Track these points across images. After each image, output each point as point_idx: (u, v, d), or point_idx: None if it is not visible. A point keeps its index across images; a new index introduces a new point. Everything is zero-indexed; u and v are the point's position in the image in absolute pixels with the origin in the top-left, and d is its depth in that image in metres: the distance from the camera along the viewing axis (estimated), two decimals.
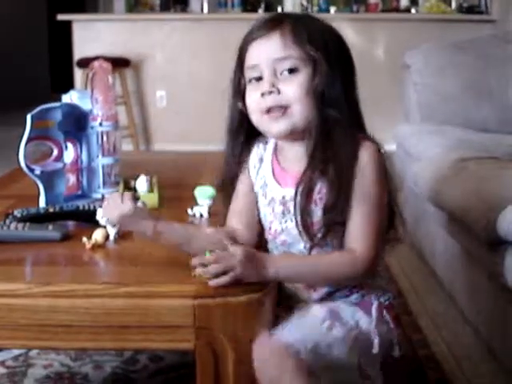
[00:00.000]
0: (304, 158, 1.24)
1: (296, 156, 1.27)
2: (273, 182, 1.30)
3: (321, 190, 1.22)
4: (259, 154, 1.33)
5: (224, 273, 1.11)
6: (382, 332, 1.25)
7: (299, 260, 1.25)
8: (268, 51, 1.22)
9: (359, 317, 1.25)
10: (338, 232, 1.22)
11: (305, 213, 1.22)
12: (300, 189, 1.22)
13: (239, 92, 1.28)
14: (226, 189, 1.37)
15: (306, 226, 1.22)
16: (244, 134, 1.32)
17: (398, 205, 1.31)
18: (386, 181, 1.24)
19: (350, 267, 1.20)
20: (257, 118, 1.26)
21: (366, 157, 1.20)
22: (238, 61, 1.28)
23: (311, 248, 1.24)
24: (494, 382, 1.91)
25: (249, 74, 1.25)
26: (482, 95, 2.98)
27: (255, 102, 1.24)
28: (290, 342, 1.11)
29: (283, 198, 1.27)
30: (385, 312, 1.28)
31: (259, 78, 1.23)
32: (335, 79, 1.21)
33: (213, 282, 1.11)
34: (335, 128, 1.21)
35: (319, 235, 1.22)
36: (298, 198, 1.22)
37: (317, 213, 1.22)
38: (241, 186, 1.34)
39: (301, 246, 1.26)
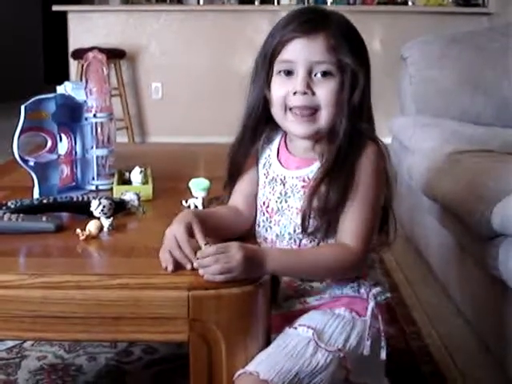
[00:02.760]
0: (312, 149, 1.27)
1: (305, 147, 1.30)
2: (276, 163, 1.32)
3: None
4: (269, 135, 1.35)
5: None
6: (373, 334, 1.26)
7: (296, 255, 1.25)
8: (309, 52, 1.22)
9: (347, 334, 1.24)
10: (334, 225, 1.24)
11: (307, 206, 1.23)
12: (309, 185, 1.24)
13: (266, 82, 1.27)
14: (232, 174, 1.37)
15: (307, 218, 1.23)
16: (264, 123, 1.32)
17: (392, 208, 1.32)
18: (384, 182, 1.26)
19: (346, 262, 1.22)
20: (279, 113, 1.27)
21: (368, 154, 1.23)
22: (270, 53, 1.26)
23: (302, 234, 1.26)
24: (487, 374, 1.92)
25: (280, 66, 1.25)
26: (478, 88, 2.98)
27: (283, 97, 1.25)
28: (269, 378, 1.11)
29: (284, 178, 1.30)
30: (378, 313, 1.28)
31: (290, 72, 1.24)
32: (367, 91, 1.25)
33: (208, 277, 1.10)
34: (358, 137, 1.23)
35: (315, 227, 1.23)
36: (305, 192, 1.24)
37: (316, 206, 1.24)
38: (247, 166, 1.35)
39: (291, 229, 1.27)
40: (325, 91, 1.22)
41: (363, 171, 1.22)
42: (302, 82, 1.22)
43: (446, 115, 2.91)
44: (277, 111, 1.27)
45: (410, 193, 2.72)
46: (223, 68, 5.65)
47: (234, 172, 1.36)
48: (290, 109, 1.25)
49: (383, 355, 1.27)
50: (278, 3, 6.22)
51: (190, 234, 1.18)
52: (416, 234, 2.85)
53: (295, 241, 1.28)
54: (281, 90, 1.25)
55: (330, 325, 1.24)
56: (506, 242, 1.72)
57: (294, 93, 1.23)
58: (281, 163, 1.32)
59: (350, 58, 1.22)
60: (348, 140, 1.23)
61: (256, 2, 6.50)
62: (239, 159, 1.34)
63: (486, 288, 1.98)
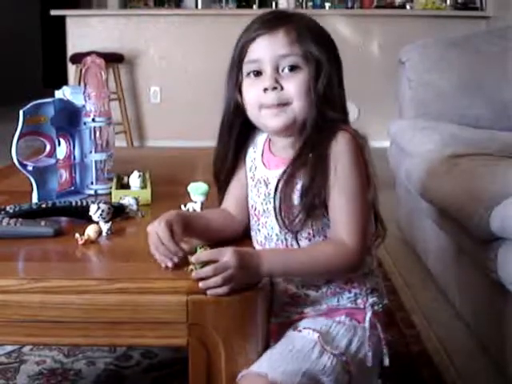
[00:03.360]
0: (292, 147, 1.27)
1: (285, 145, 1.30)
2: (260, 164, 1.33)
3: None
4: (254, 139, 1.36)
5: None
6: (373, 343, 1.26)
7: (292, 254, 1.25)
8: (272, 47, 1.23)
9: (350, 336, 1.25)
10: (317, 218, 1.23)
11: (282, 201, 1.23)
12: (282, 179, 1.23)
13: (236, 86, 1.29)
14: (219, 180, 1.38)
15: (281, 214, 1.23)
16: (239, 127, 1.33)
17: (377, 203, 1.30)
18: (365, 172, 1.24)
19: (344, 258, 1.21)
20: (255, 113, 1.27)
21: (340, 141, 1.21)
22: (238, 56, 1.28)
23: (286, 233, 1.25)
24: (486, 377, 1.92)
25: (248, 67, 1.26)
26: (476, 91, 2.98)
27: (255, 96, 1.25)
28: (279, 380, 1.11)
29: (267, 179, 1.30)
30: (377, 322, 1.28)
31: (258, 73, 1.25)
32: (334, 79, 1.25)
33: (211, 292, 1.10)
34: (328, 125, 1.23)
35: (297, 220, 1.22)
36: (279, 187, 1.23)
37: (296, 201, 1.23)
38: (237, 170, 1.36)
39: (277, 229, 1.27)
40: (293, 85, 1.22)
41: (339, 161, 1.20)
42: (269, 78, 1.23)
43: (444, 119, 2.91)
44: (252, 112, 1.28)
45: (409, 196, 2.72)
46: (222, 72, 5.59)
47: (219, 178, 1.38)
48: (267, 107, 1.25)
49: (386, 362, 1.28)
50: (276, 7, 6.23)
51: (171, 233, 1.18)
52: (415, 237, 2.85)
53: (282, 241, 1.28)
54: (252, 90, 1.26)
55: (333, 329, 1.24)
56: (504, 245, 1.72)
57: (265, 90, 1.23)
58: (264, 164, 1.33)
59: (314, 47, 1.23)
60: (316, 129, 1.23)
61: (254, 6, 6.51)
62: (219, 166, 1.36)
63: (484, 291, 1.98)
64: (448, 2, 6.05)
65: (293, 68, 1.23)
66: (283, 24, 1.24)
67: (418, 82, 3.07)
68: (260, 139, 1.36)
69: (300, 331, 1.23)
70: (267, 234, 1.30)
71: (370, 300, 1.29)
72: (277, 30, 1.23)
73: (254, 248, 1.32)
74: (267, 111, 1.25)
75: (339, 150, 1.21)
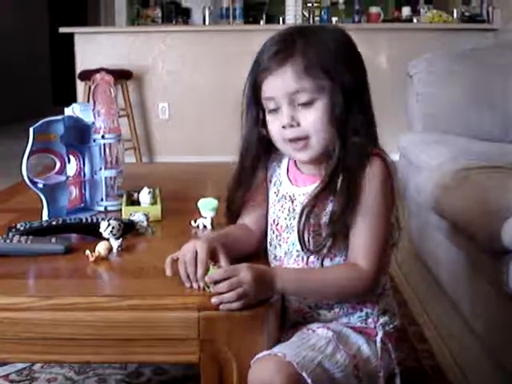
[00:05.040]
0: (320, 167, 1.26)
1: (310, 165, 1.30)
2: (286, 180, 1.33)
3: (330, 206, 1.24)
4: (279, 154, 1.36)
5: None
6: (384, 363, 1.26)
7: (306, 274, 1.25)
8: (282, 86, 1.23)
9: (361, 343, 1.25)
10: (342, 241, 1.23)
11: (306, 226, 1.23)
12: (309, 205, 1.23)
13: (258, 122, 1.30)
14: (231, 210, 1.39)
15: (304, 238, 1.23)
16: (263, 160, 1.35)
17: (398, 219, 1.31)
18: (393, 196, 1.25)
19: (357, 282, 1.21)
20: (281, 146, 1.29)
21: (374, 172, 1.21)
22: (253, 91, 1.29)
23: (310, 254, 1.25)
24: None
25: (266, 104, 1.27)
26: (485, 104, 2.97)
27: (277, 132, 1.27)
28: (295, 361, 1.11)
29: (293, 195, 1.30)
30: (388, 341, 1.28)
31: (277, 109, 1.25)
32: (352, 102, 1.23)
33: (224, 307, 1.10)
34: (354, 150, 1.23)
35: (324, 247, 1.23)
36: (304, 213, 1.23)
37: (323, 226, 1.24)
38: (258, 185, 1.36)
39: (298, 246, 1.27)
40: (308, 121, 1.23)
41: (371, 187, 1.21)
42: (286, 116, 1.24)
43: (453, 132, 2.90)
44: (279, 144, 1.29)
45: (419, 210, 2.71)
46: (229, 88, 5.66)
47: (233, 209, 1.38)
48: (290, 141, 1.26)
49: (398, 382, 1.27)
50: (284, 23, 6.25)
51: (211, 256, 1.18)
52: (425, 250, 2.83)
53: (303, 258, 1.28)
54: (274, 126, 1.27)
55: (345, 330, 1.25)
56: None
57: (283, 127, 1.25)
58: (290, 180, 1.33)
59: (324, 77, 1.21)
60: (344, 154, 1.22)
61: (261, 22, 6.54)
62: (238, 199, 1.36)
63: (497, 305, 1.96)
64: (455, 15, 6.06)
65: (307, 104, 1.23)
66: (289, 59, 1.22)
67: (426, 96, 3.06)
68: (285, 157, 1.36)
69: (314, 330, 1.24)
70: (287, 249, 1.30)
71: (382, 320, 1.29)
72: (283, 67, 1.22)
73: (270, 263, 1.33)
74: (289, 146, 1.26)
75: (371, 177, 1.21)
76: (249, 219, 1.37)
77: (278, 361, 1.10)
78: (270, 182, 1.36)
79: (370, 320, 1.29)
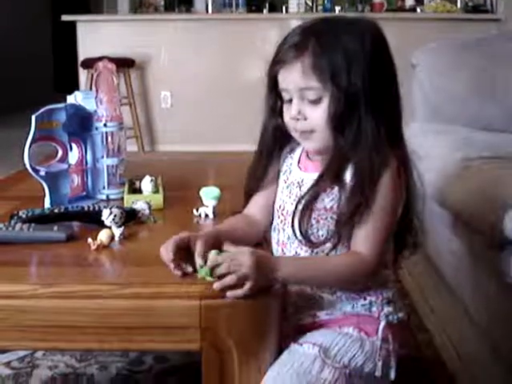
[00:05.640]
0: (327, 157, 1.29)
1: (320, 155, 1.32)
2: (296, 169, 1.36)
3: (332, 203, 1.26)
4: (292, 147, 1.39)
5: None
6: (383, 356, 1.26)
7: (307, 262, 1.26)
8: (292, 80, 1.26)
9: (355, 350, 1.24)
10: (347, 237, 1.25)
11: (304, 219, 1.25)
12: (303, 200, 1.26)
13: (275, 110, 1.34)
14: (250, 193, 1.41)
15: (304, 233, 1.26)
16: (279, 147, 1.38)
17: (415, 213, 1.36)
18: (403, 195, 1.28)
19: (357, 268, 1.22)
20: (293, 134, 1.33)
21: (387, 176, 1.24)
22: (271, 81, 1.32)
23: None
24: (500, 383, 1.90)
25: (283, 95, 1.31)
26: (488, 94, 2.96)
27: (289, 121, 1.31)
28: None
29: (302, 181, 1.33)
30: (389, 334, 1.28)
31: (290, 100, 1.29)
32: (357, 105, 1.23)
33: (230, 294, 1.10)
34: (350, 151, 1.24)
35: (327, 245, 1.25)
36: (300, 205, 1.26)
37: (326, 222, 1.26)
38: (269, 175, 1.38)
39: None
40: (314, 116, 1.26)
41: (381, 187, 1.23)
42: (294, 108, 1.28)
43: (456, 122, 2.89)
44: (292, 133, 1.33)
45: (421, 200, 2.70)
46: (232, 76, 5.66)
47: (251, 191, 1.40)
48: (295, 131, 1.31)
49: (392, 375, 1.28)
50: (287, 11, 6.23)
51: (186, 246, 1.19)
52: (427, 241, 2.83)
53: (305, 245, 1.28)
54: (286, 116, 1.31)
55: (336, 342, 1.24)
56: None
57: (291, 118, 1.29)
58: (300, 168, 1.36)
59: (330, 76, 1.22)
60: (337, 151, 1.26)
61: (264, 11, 6.52)
62: (257, 182, 1.39)
63: (499, 296, 1.96)
64: (459, 4, 6.04)
65: (314, 101, 1.25)
66: (300, 55, 1.24)
67: (429, 86, 3.06)
68: (298, 148, 1.38)
69: (301, 345, 1.23)
70: (291, 234, 1.30)
71: (386, 310, 1.29)
72: (294, 62, 1.25)
73: (272, 250, 1.34)
74: (298, 135, 1.31)
75: (385, 181, 1.23)
76: (255, 210, 1.39)
77: None
78: (280, 171, 1.39)
79: (374, 309, 1.29)
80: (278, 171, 1.39)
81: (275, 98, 1.33)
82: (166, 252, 1.18)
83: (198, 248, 1.17)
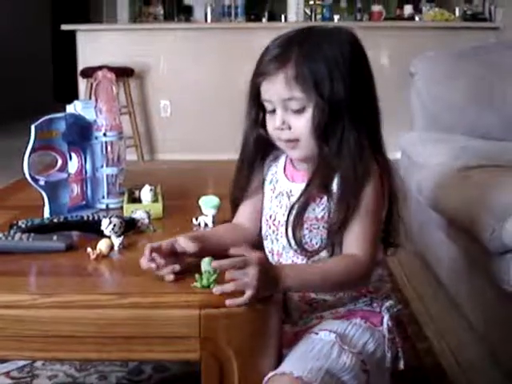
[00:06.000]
0: (312, 166, 1.31)
1: (308, 166, 1.33)
2: (283, 178, 1.37)
3: (323, 212, 1.28)
4: (275, 155, 1.40)
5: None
6: (389, 347, 1.30)
7: (306, 270, 1.27)
8: (276, 91, 1.27)
9: (366, 338, 1.28)
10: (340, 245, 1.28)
11: (297, 229, 1.27)
12: (294, 210, 1.28)
13: (257, 121, 1.35)
14: (236, 205, 1.42)
15: (298, 243, 1.28)
16: (260, 157, 1.39)
17: (400, 215, 1.35)
18: (386, 197, 1.29)
19: (355, 270, 1.24)
20: (278, 143, 1.34)
21: (371, 181, 1.25)
22: (253, 93, 1.33)
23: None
24: None
25: (266, 105, 1.32)
26: (486, 103, 2.97)
27: (273, 131, 1.32)
28: (303, 375, 1.13)
29: (290, 191, 1.34)
30: (393, 325, 1.33)
31: (274, 111, 1.30)
32: (340, 114, 1.25)
33: (230, 302, 1.10)
34: (335, 158, 1.26)
35: (321, 254, 1.28)
36: (292, 215, 1.28)
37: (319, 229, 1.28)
38: (253, 184, 1.40)
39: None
40: (298, 125, 1.28)
41: (367, 193, 1.25)
42: (278, 119, 1.29)
43: (455, 130, 2.90)
44: (276, 142, 1.34)
45: (420, 208, 2.71)
46: (231, 85, 5.66)
47: (237, 202, 1.42)
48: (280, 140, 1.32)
49: (401, 365, 1.32)
50: (286, 20, 6.25)
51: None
52: (426, 249, 2.83)
53: (301, 254, 1.30)
54: (270, 126, 1.32)
55: (349, 330, 1.28)
56: None
57: (276, 128, 1.30)
58: (287, 178, 1.37)
59: (313, 87, 1.24)
60: (321, 159, 1.27)
61: (263, 20, 6.54)
62: (239, 191, 1.40)
63: (497, 303, 1.96)
64: (457, 13, 6.05)
65: (298, 111, 1.27)
66: (282, 67, 1.25)
67: (427, 94, 3.06)
68: (282, 156, 1.39)
69: (317, 333, 1.26)
70: (286, 243, 1.31)
71: (386, 303, 1.34)
72: (277, 73, 1.26)
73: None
74: (284, 144, 1.32)
75: (371, 187, 1.25)
76: (244, 218, 1.41)
77: (287, 380, 1.12)
78: (265, 180, 1.40)
79: (374, 304, 1.33)
80: (262, 180, 1.40)
81: (257, 109, 1.34)
82: (145, 261, 1.19)
83: (182, 240, 1.21)
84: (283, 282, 1.16)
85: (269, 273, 1.14)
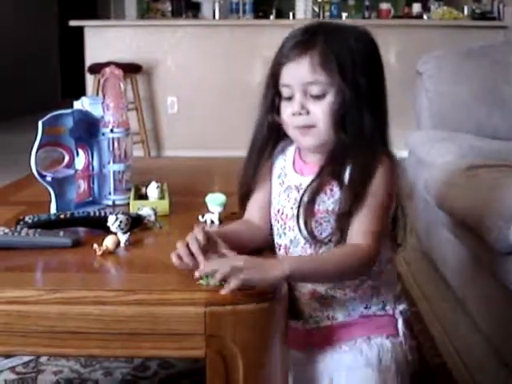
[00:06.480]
0: (323, 157, 1.31)
1: (318, 157, 1.33)
2: (292, 171, 1.36)
3: (333, 205, 1.27)
4: (283, 147, 1.39)
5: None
6: (407, 350, 1.33)
7: (309, 257, 1.29)
8: (298, 75, 1.27)
9: (389, 360, 1.31)
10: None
11: (309, 217, 1.26)
12: (305, 197, 1.27)
13: (273, 106, 1.34)
14: (244, 197, 1.41)
15: (310, 232, 1.27)
16: (271, 145, 1.38)
17: (405, 212, 1.35)
18: (395, 191, 1.29)
19: (356, 257, 1.22)
20: (291, 132, 1.33)
21: (380, 172, 1.25)
22: (272, 77, 1.32)
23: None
24: None
25: (283, 91, 1.31)
26: (494, 102, 2.96)
27: (288, 118, 1.31)
28: None
29: (300, 185, 1.32)
30: (407, 329, 1.34)
31: (290, 98, 1.29)
32: (363, 102, 1.26)
33: (224, 290, 1.09)
34: (351, 147, 1.26)
35: (331, 241, 1.27)
36: (303, 204, 1.27)
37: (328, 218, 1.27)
38: (261, 178, 1.39)
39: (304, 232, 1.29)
40: (318, 110, 1.27)
41: (376, 183, 1.24)
42: (297, 103, 1.28)
43: (462, 129, 2.89)
44: (289, 131, 1.33)
45: (427, 207, 2.71)
46: (239, 82, 5.67)
47: (245, 192, 1.40)
48: (294, 127, 1.31)
49: (416, 366, 1.36)
50: (294, 17, 6.25)
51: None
52: (433, 248, 2.83)
53: (311, 244, 1.29)
54: (286, 112, 1.31)
55: (378, 355, 1.31)
56: None
57: (293, 114, 1.29)
58: (296, 171, 1.36)
59: (338, 74, 1.24)
60: (345, 149, 1.26)
61: (271, 17, 6.54)
62: (248, 179, 1.39)
63: (503, 303, 1.96)
64: (465, 11, 6.04)
65: (317, 95, 1.26)
66: (308, 51, 1.26)
67: (435, 93, 3.06)
68: (290, 149, 1.39)
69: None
70: (294, 237, 1.31)
71: (400, 307, 1.34)
72: (302, 57, 1.26)
73: (276, 254, 1.35)
74: (297, 131, 1.30)
75: (379, 178, 1.25)
76: (254, 214, 1.39)
77: None
78: (273, 172, 1.39)
79: (387, 307, 1.33)
80: (270, 171, 1.39)
81: (273, 95, 1.33)
82: (177, 260, 1.18)
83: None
84: (280, 266, 1.14)
85: (262, 260, 1.16)
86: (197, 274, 1.13)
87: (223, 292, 1.09)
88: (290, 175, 1.36)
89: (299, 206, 1.28)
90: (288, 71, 1.28)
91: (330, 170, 1.27)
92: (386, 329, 1.32)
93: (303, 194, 1.28)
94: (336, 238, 1.26)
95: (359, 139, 1.26)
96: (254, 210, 1.39)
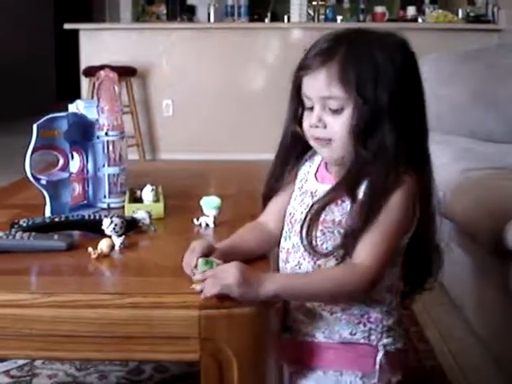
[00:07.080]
0: (342, 172, 1.28)
1: (336, 167, 1.30)
2: (312, 178, 1.34)
3: (341, 217, 1.23)
4: (312, 153, 1.37)
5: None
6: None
7: (300, 276, 1.25)
8: (316, 88, 1.24)
9: None
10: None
11: (312, 230, 1.23)
12: (314, 208, 1.24)
13: (296, 116, 1.32)
14: (268, 197, 1.40)
15: (309, 241, 1.23)
16: (295, 155, 1.36)
17: (438, 246, 1.36)
18: (412, 215, 1.24)
19: (353, 278, 1.18)
20: (311, 142, 1.30)
21: (397, 193, 1.20)
22: (295, 88, 1.30)
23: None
24: None
25: (305, 101, 1.29)
26: (489, 105, 2.97)
27: (307, 128, 1.29)
28: None
29: (316, 191, 1.30)
30: (388, 362, 1.26)
31: (312, 108, 1.27)
32: (381, 118, 1.21)
33: (203, 295, 1.10)
34: (370, 162, 1.22)
35: (332, 256, 1.23)
36: (310, 213, 1.24)
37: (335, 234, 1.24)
38: (285, 179, 1.37)
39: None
40: (334, 126, 1.24)
41: (391, 204, 1.20)
42: (314, 116, 1.25)
43: (457, 132, 2.90)
44: (310, 141, 1.30)
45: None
46: (234, 85, 5.67)
47: (267, 193, 1.39)
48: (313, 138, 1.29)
49: None
50: (289, 21, 6.24)
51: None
52: None
53: (309, 254, 1.26)
54: (306, 123, 1.29)
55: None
56: None
57: (311, 126, 1.27)
58: (316, 178, 1.33)
59: (355, 88, 1.20)
60: (363, 166, 1.22)
61: (266, 20, 6.53)
62: (272, 184, 1.38)
63: (500, 307, 1.96)
64: (460, 15, 6.05)
65: (336, 111, 1.23)
66: (326, 63, 1.22)
67: (430, 96, 3.04)
68: (318, 156, 1.35)
69: None
70: (296, 243, 1.29)
71: (385, 340, 1.27)
72: (319, 70, 1.23)
73: (278, 257, 1.34)
74: (315, 143, 1.28)
75: (395, 198, 1.20)
76: (271, 218, 1.38)
77: None
78: (297, 177, 1.37)
79: (372, 337, 1.26)
80: (295, 176, 1.37)
81: (297, 104, 1.31)
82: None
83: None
84: (268, 285, 1.13)
85: (251, 275, 1.13)
86: (197, 277, 1.13)
87: (202, 296, 1.10)
88: (309, 181, 1.34)
89: (306, 216, 1.24)
90: (307, 82, 1.25)
91: (344, 186, 1.23)
92: (363, 364, 1.25)
93: (314, 203, 1.25)
94: (339, 254, 1.21)
95: (379, 155, 1.21)
96: (269, 212, 1.39)
